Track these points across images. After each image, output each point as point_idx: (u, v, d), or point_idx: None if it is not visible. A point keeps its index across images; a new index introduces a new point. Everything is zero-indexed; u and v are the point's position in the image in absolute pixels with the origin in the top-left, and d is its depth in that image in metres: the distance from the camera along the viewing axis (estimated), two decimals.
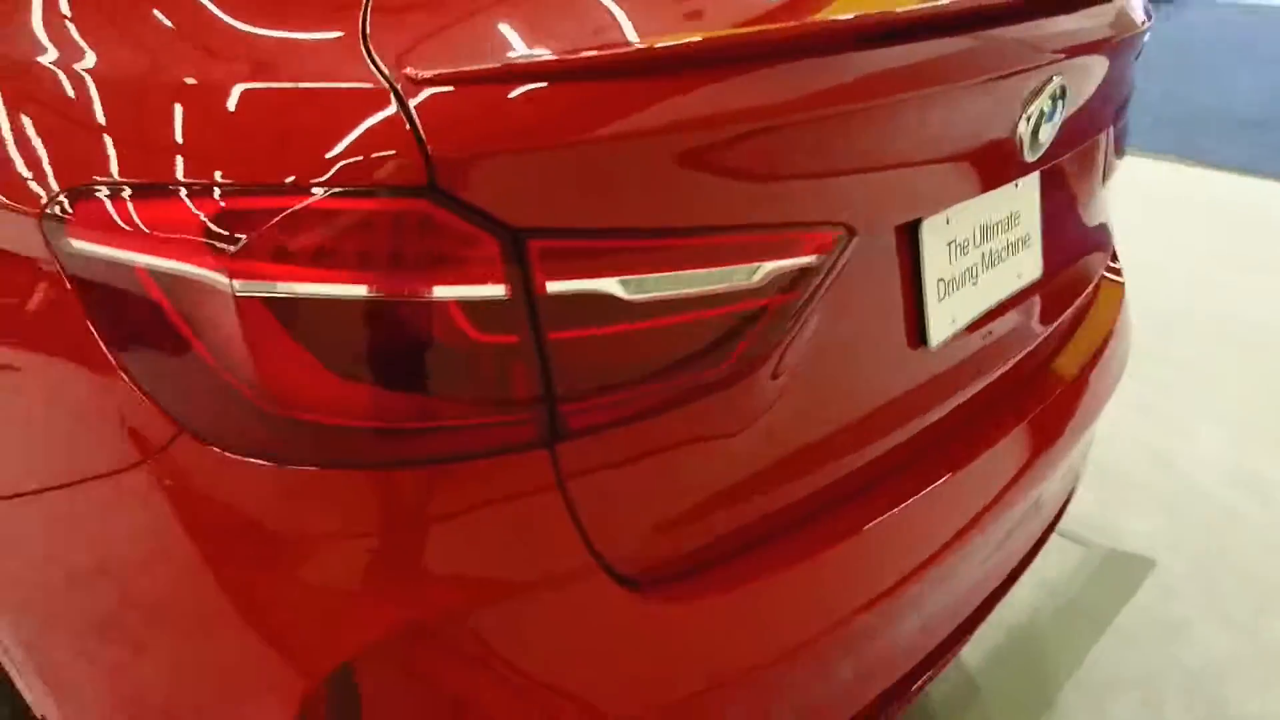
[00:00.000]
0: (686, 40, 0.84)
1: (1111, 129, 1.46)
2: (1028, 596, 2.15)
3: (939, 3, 0.97)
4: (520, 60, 0.79)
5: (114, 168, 0.82)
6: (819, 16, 0.91)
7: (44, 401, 0.92)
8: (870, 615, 1.07)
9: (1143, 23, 1.38)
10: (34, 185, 0.86)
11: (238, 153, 0.78)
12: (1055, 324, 1.42)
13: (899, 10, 0.93)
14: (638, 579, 0.92)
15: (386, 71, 0.77)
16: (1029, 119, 1.11)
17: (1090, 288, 1.53)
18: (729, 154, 0.86)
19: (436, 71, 0.76)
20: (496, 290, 0.77)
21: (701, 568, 0.97)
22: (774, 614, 1.00)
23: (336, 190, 0.75)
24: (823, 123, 0.91)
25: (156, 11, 0.88)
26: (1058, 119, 1.16)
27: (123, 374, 0.83)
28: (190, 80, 0.82)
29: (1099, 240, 1.55)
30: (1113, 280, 1.65)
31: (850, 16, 0.90)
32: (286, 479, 0.81)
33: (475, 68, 0.77)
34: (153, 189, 0.80)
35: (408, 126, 0.74)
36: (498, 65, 0.78)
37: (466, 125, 0.76)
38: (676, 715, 0.96)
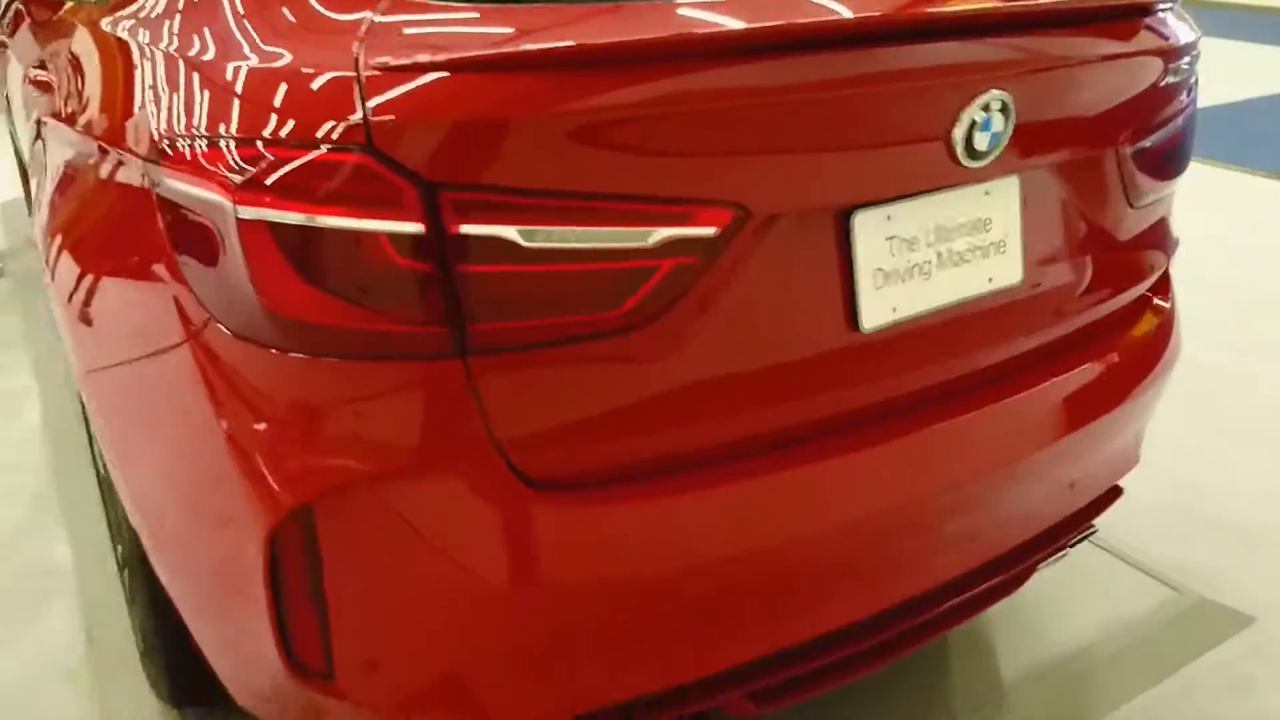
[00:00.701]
0: (579, 43, 1.06)
1: (1134, 150, 1.49)
2: (1092, 627, 2.12)
3: (843, 15, 1.12)
4: (442, 58, 1.03)
5: (184, 126, 1.15)
6: (711, 24, 1.09)
7: (140, 297, 1.27)
8: (759, 563, 1.22)
9: (1161, 48, 1.42)
10: (143, 138, 1.21)
11: (253, 116, 1.08)
12: (1050, 333, 1.48)
13: (786, 21, 1.09)
14: (537, 479, 1.13)
15: (360, 63, 1.04)
16: (961, 127, 1.22)
17: (1112, 308, 1.56)
18: (626, 134, 1.06)
19: (385, 63, 1.02)
20: (415, 228, 1.02)
21: (601, 483, 1.16)
22: (662, 536, 1.18)
23: (306, 144, 1.02)
24: (717, 113, 1.09)
25: (228, 11, 1.20)
26: (1001, 130, 1.25)
27: (181, 274, 1.16)
28: (232, 65, 1.13)
29: (1124, 261, 1.57)
30: (1156, 306, 1.66)
31: (741, 27, 1.07)
32: (271, 360, 1.10)
33: (409, 61, 1.02)
34: (205, 139, 1.11)
35: (358, 103, 1.01)
36: (426, 59, 1.02)
37: (399, 102, 1.01)
38: (561, 602, 1.16)
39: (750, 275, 1.18)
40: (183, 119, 1.17)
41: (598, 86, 1.04)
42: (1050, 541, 1.63)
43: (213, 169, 1.09)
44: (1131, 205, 1.55)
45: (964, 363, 1.41)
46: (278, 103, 1.07)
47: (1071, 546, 1.78)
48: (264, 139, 1.06)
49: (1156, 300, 1.68)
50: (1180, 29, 1.53)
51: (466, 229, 1.03)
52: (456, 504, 1.12)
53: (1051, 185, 1.42)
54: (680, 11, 1.17)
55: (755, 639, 1.31)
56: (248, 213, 1.05)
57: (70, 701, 1.87)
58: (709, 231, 1.11)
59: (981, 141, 1.24)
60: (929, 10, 1.26)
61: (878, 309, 1.28)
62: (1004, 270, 1.39)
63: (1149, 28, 1.45)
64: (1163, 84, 1.48)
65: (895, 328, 1.30)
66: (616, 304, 1.10)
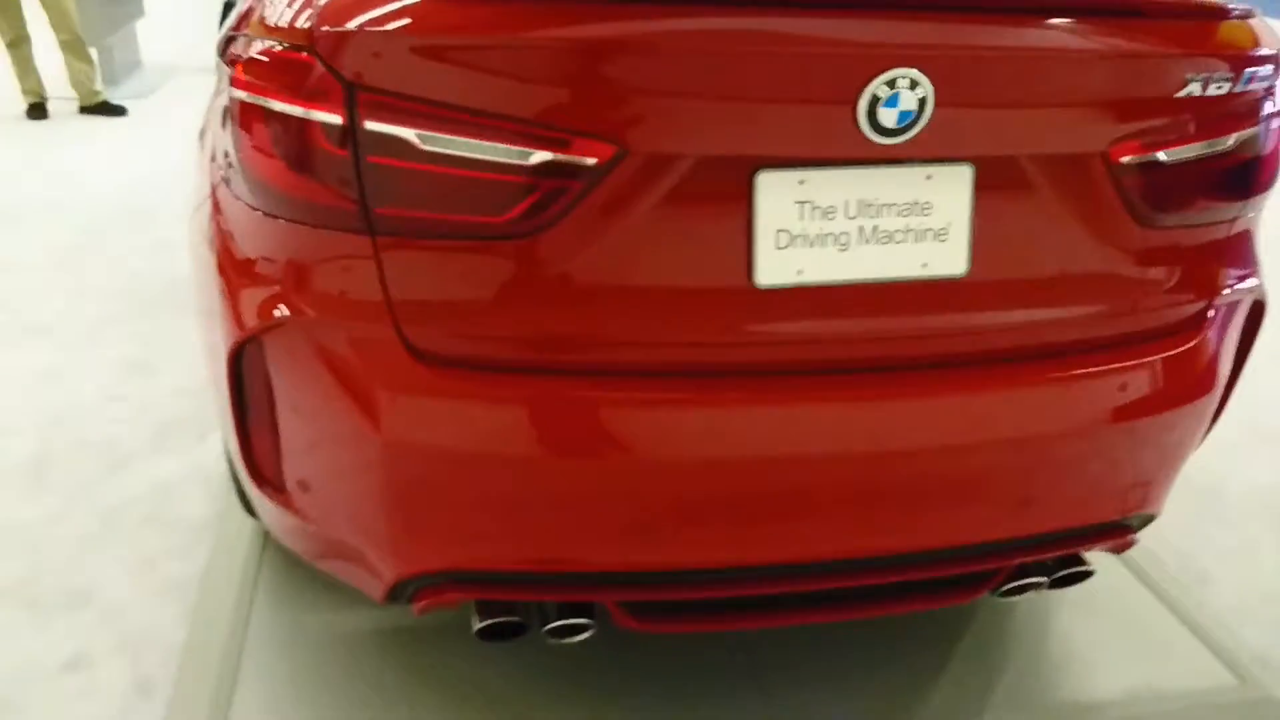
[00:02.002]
0: None
1: (1138, 162, 1.39)
2: (1140, 687, 1.97)
3: None
4: None
5: (234, 27, 1.45)
6: None
7: (203, 157, 1.60)
8: (608, 475, 1.33)
9: (1175, 54, 1.32)
10: (221, 41, 1.53)
11: (257, 18, 1.35)
12: (1003, 337, 1.44)
13: None
14: (421, 350, 1.32)
15: None
16: (864, 100, 1.24)
17: (1094, 332, 1.47)
18: (519, 62, 1.22)
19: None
20: (337, 119, 1.24)
21: (475, 367, 1.33)
22: (519, 426, 1.33)
23: (278, 44, 1.28)
24: (607, 53, 1.21)
25: None
26: (914, 110, 1.25)
27: (220, 140, 1.46)
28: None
29: (1120, 284, 1.47)
30: (1172, 347, 1.53)
31: None
32: (248, 215, 1.38)
33: None
34: (236, 36, 1.40)
35: (311, 13, 1.25)
36: None
37: (335, 15, 1.24)
38: (424, 461, 1.34)
39: (645, 210, 1.28)
40: (234, 24, 1.47)
41: (497, 17, 1.21)
42: (997, 556, 1.57)
43: (232, 57, 1.38)
44: (1140, 225, 1.45)
45: (889, 344, 1.41)
46: (268, 10, 1.33)
47: (1054, 582, 1.70)
48: (258, 37, 1.33)
49: (1174, 341, 1.54)
50: (1232, 40, 1.40)
51: (374, 126, 1.24)
52: (356, 356, 1.34)
53: (1021, 183, 1.38)
54: None
55: (614, 549, 1.42)
56: (237, 92, 1.33)
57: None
58: (588, 161, 1.24)
59: (888, 118, 1.26)
60: None
61: (778, 268, 1.33)
62: (943, 258, 1.38)
63: (1155, 31, 1.35)
64: (1183, 95, 1.37)
65: (800, 290, 1.35)
66: (500, 212, 1.26)
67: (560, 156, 1.24)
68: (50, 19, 5.68)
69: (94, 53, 6.14)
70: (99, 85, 6.02)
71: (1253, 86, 1.44)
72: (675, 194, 1.28)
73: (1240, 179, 1.50)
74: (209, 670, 1.89)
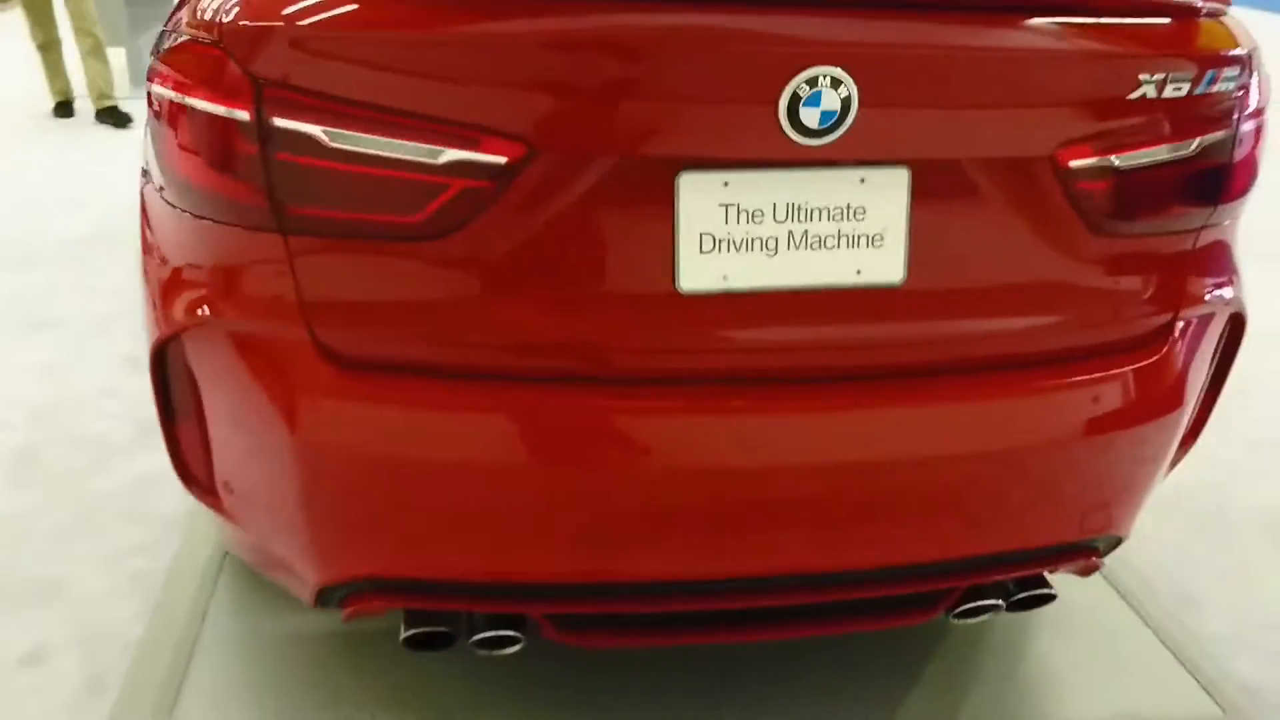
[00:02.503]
0: None
1: (1088, 166, 1.32)
2: (1113, 712, 1.89)
3: None
4: None
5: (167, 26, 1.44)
6: None
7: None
8: (521, 485, 1.30)
9: (1132, 54, 1.26)
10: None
11: (180, 16, 1.34)
12: (943, 348, 1.38)
13: None
14: (334, 352, 1.29)
15: None
16: (784, 100, 1.19)
17: (1042, 345, 1.41)
18: (428, 60, 1.19)
19: None
20: (245, 115, 1.22)
21: (388, 371, 1.30)
22: (430, 433, 1.30)
23: (192, 39, 1.27)
24: (516, 51, 1.17)
25: None
26: (836, 110, 1.20)
27: (148, 142, 1.45)
28: None
29: (1072, 294, 1.40)
30: (1127, 364, 1.45)
31: None
32: (170, 214, 1.36)
33: None
34: (165, 35, 1.39)
35: (221, 8, 1.23)
36: None
37: (243, 10, 1.22)
38: (336, 464, 1.32)
39: (562, 211, 1.25)
40: (166, 21, 1.46)
41: (406, 12, 1.18)
42: (944, 577, 1.51)
43: (157, 53, 1.37)
44: (1096, 233, 1.38)
45: (822, 354, 1.36)
46: (189, 8, 1.32)
47: (1014, 604, 1.63)
48: (179, 34, 1.31)
49: (1136, 356, 1.46)
50: (1192, 40, 1.33)
51: (281, 122, 1.21)
52: (270, 357, 1.32)
53: (963, 188, 1.32)
54: None
55: (534, 560, 1.38)
56: (153, 87, 1.32)
57: None
58: (498, 160, 1.21)
59: (810, 118, 1.20)
60: None
61: (702, 273, 1.29)
62: (878, 265, 1.32)
63: (1104, 30, 1.29)
64: (1136, 97, 1.30)
65: (727, 296, 1.30)
66: (412, 212, 1.23)
67: (470, 155, 1.21)
68: (71, 20, 5.75)
69: (123, 53, 6.21)
70: (116, 89, 5.95)
71: (1217, 88, 1.36)
72: (594, 195, 1.25)
73: (1206, 186, 1.42)
74: (159, 669, 1.88)
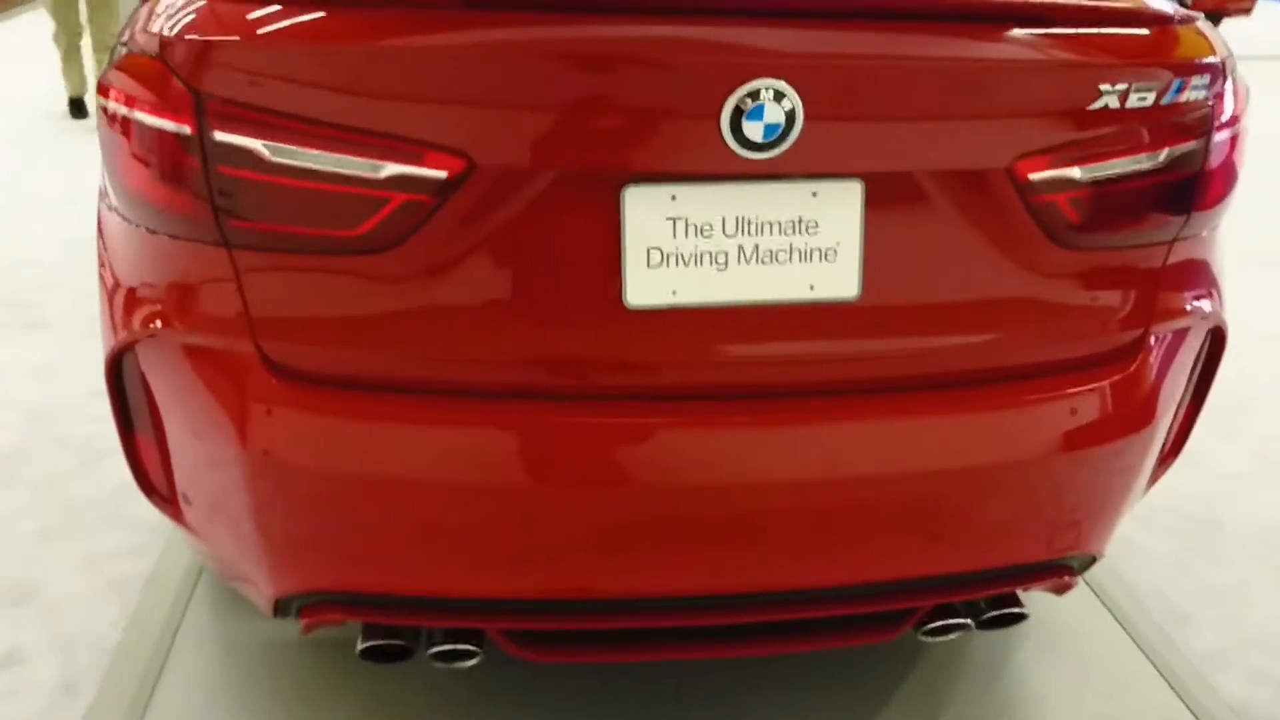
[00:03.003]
0: None
1: (1049, 179, 1.29)
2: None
3: None
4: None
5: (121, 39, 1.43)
6: None
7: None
8: (471, 501, 1.29)
9: (1086, 63, 1.23)
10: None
11: (128, 30, 1.33)
12: (900, 364, 1.35)
13: None
14: (279, 365, 1.29)
15: None
16: (726, 112, 1.16)
17: (1006, 360, 1.38)
18: (368, 74, 1.17)
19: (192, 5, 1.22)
20: (186, 129, 1.21)
21: (335, 385, 1.29)
22: (375, 447, 1.29)
23: (134, 52, 1.26)
24: (455, 65, 1.16)
25: None
26: (780, 123, 1.17)
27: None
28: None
29: (1038, 309, 1.37)
30: (1094, 380, 1.42)
31: None
32: (122, 226, 1.36)
33: (192, 7, 1.21)
34: (118, 49, 1.39)
35: (161, 21, 1.23)
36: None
37: (181, 23, 1.21)
38: (284, 477, 1.31)
39: (507, 225, 1.23)
40: (120, 34, 1.46)
41: (345, 26, 1.17)
42: (910, 595, 1.48)
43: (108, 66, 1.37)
44: (1061, 246, 1.35)
45: (775, 370, 1.34)
46: (135, 24, 1.31)
47: (983, 623, 1.59)
48: (130, 47, 1.31)
49: (1105, 372, 1.43)
50: (1155, 49, 1.30)
51: (222, 136, 1.20)
52: (218, 370, 1.31)
53: (918, 201, 1.29)
54: None
55: (483, 575, 1.37)
56: (102, 100, 1.31)
57: None
58: (439, 174, 1.19)
59: (754, 131, 1.18)
60: None
61: (650, 288, 1.27)
62: (831, 280, 1.30)
63: (1059, 40, 1.25)
64: (1097, 108, 1.27)
65: (675, 312, 1.28)
66: (354, 225, 1.22)
67: (411, 170, 1.19)
68: (93, 32, 5.80)
69: None
70: None
71: (1186, 98, 1.32)
72: (538, 209, 1.23)
73: (1177, 197, 1.38)
74: (133, 674, 1.89)
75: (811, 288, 1.30)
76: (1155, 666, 2.01)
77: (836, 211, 1.27)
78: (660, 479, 1.31)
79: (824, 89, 1.19)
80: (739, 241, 1.27)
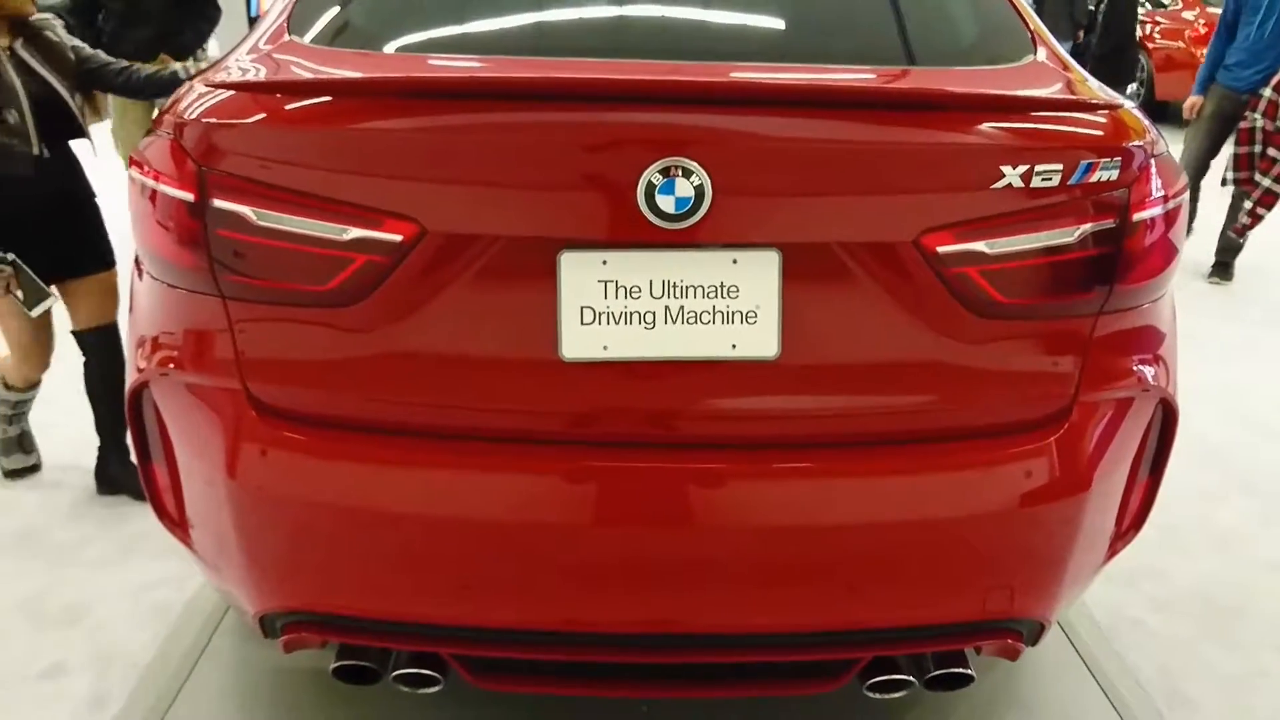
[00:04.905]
0: (301, 80, 1.40)
1: (958, 251, 1.38)
2: None
3: (522, 75, 1.30)
4: (219, 79, 1.42)
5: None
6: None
7: None
8: (426, 535, 1.43)
9: (992, 145, 1.33)
10: None
11: (162, 118, 1.56)
12: (823, 423, 1.44)
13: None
14: (265, 405, 1.46)
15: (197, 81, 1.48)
16: (641, 187, 1.30)
17: (929, 424, 1.46)
18: (337, 152, 1.37)
19: (206, 79, 1.44)
20: (190, 196, 1.42)
21: (311, 424, 1.46)
22: (343, 482, 1.44)
23: (160, 133, 1.49)
24: (407, 144, 1.34)
25: None
26: (690, 197, 1.31)
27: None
28: None
29: (956, 374, 1.44)
30: (1014, 447, 1.48)
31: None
32: (145, 278, 1.58)
33: (209, 80, 1.43)
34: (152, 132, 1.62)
35: (181, 109, 1.45)
36: (217, 80, 1.42)
37: (190, 108, 1.43)
38: (264, 506, 1.47)
39: (457, 283, 1.39)
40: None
41: (317, 112, 1.37)
42: (835, 647, 1.54)
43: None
44: (979, 315, 1.42)
45: (700, 422, 1.45)
46: (164, 112, 1.54)
47: (930, 682, 1.63)
48: (154, 129, 1.54)
49: (1029, 438, 1.48)
50: (1063, 132, 1.39)
51: (220, 203, 1.41)
52: (213, 408, 1.50)
53: (834, 269, 1.39)
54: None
55: (438, 604, 1.50)
56: (129, 171, 1.54)
57: None
58: (394, 238, 1.36)
59: (667, 204, 1.31)
60: (605, 75, 1.36)
61: (583, 343, 1.40)
62: (752, 340, 1.40)
63: (964, 122, 1.36)
64: (1000, 187, 1.35)
65: (607, 365, 1.41)
66: (323, 281, 1.40)
67: (371, 234, 1.37)
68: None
69: None
70: None
71: (1097, 178, 1.40)
72: (483, 270, 1.38)
73: (1096, 273, 1.44)
74: (155, 690, 2.07)
75: (734, 347, 1.41)
76: None
77: (755, 278, 1.39)
78: (593, 520, 1.43)
79: (732, 166, 1.31)
80: (665, 303, 1.40)
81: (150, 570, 2.50)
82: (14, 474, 2.87)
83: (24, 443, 2.89)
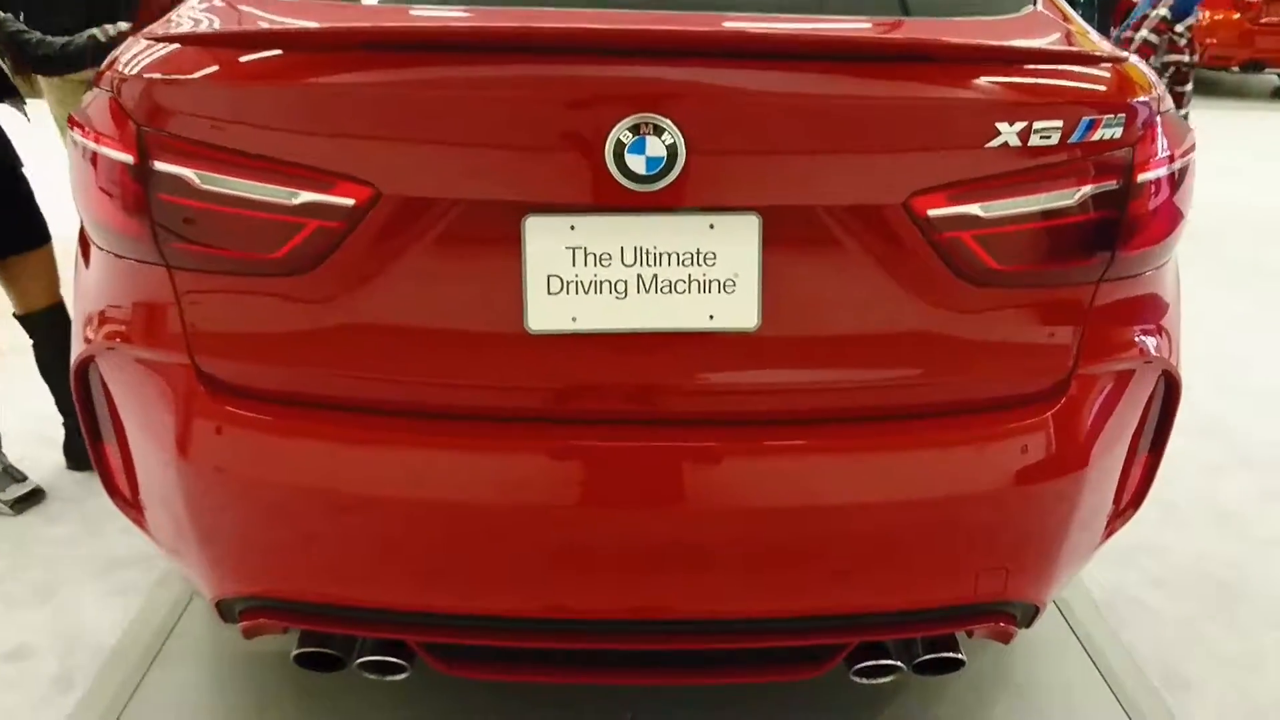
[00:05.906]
0: (245, 31, 1.30)
1: (948, 215, 1.29)
2: None
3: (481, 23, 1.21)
4: (160, 32, 1.32)
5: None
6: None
7: None
8: (384, 515, 1.35)
9: (986, 101, 1.24)
10: None
11: (102, 76, 1.46)
12: (804, 396, 1.36)
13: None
14: (211, 377, 1.38)
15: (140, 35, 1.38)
16: (609, 146, 1.21)
17: (915, 398, 1.37)
18: (284, 110, 1.27)
19: (148, 32, 1.35)
20: (130, 159, 1.33)
21: (265, 400, 1.38)
22: (294, 459, 1.36)
23: (100, 92, 1.39)
24: (360, 101, 1.24)
25: None
26: (663, 157, 1.21)
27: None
28: None
29: (946, 345, 1.36)
30: (1008, 421, 1.40)
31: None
32: (89, 247, 1.49)
33: (150, 34, 1.33)
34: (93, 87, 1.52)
35: (120, 65, 1.35)
36: (156, 34, 1.33)
37: (129, 63, 1.34)
38: (216, 484, 1.39)
39: (414, 251, 1.30)
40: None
41: (264, 66, 1.27)
42: (820, 631, 1.47)
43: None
44: (972, 283, 1.34)
45: (676, 397, 1.36)
46: (106, 68, 1.44)
47: (919, 667, 1.56)
48: (98, 88, 1.44)
49: (1025, 412, 1.40)
50: (1063, 87, 1.29)
51: (161, 166, 1.31)
52: (160, 382, 1.41)
53: (818, 235, 1.30)
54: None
55: (398, 589, 1.42)
56: (70, 132, 1.44)
57: None
58: (347, 202, 1.27)
59: (637, 165, 1.22)
60: (571, 25, 1.26)
61: (551, 314, 1.31)
62: (731, 311, 1.32)
63: (958, 76, 1.26)
64: (995, 145, 1.26)
65: (576, 338, 1.32)
66: (272, 249, 1.31)
67: (321, 198, 1.28)
68: None
69: None
70: None
71: (1099, 137, 1.31)
72: (442, 236, 1.29)
73: (1095, 238, 1.36)
74: (121, 672, 2.00)
75: (711, 317, 1.32)
76: None
77: (734, 244, 1.30)
78: (565, 501, 1.35)
79: (707, 123, 1.22)
80: (638, 271, 1.31)
81: (118, 549, 2.43)
82: (20, 503, 2.59)
83: (12, 472, 2.64)
